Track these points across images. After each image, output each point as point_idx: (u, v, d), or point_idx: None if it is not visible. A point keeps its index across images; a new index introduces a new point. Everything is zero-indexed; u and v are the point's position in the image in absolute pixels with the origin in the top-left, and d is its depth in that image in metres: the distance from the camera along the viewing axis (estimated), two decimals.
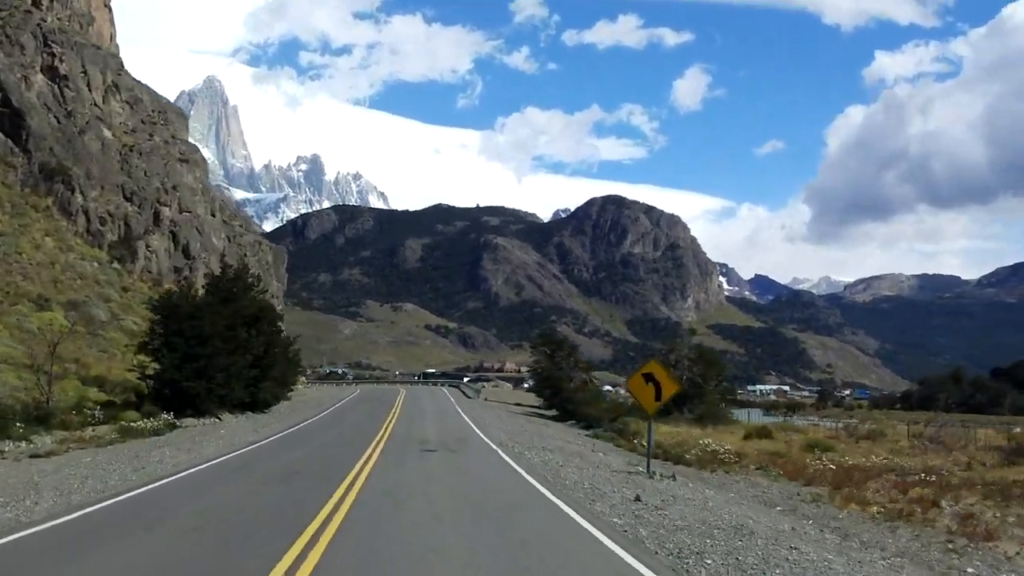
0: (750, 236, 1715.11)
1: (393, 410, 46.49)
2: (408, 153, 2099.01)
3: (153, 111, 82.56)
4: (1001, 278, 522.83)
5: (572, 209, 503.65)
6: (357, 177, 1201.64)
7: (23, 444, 22.49)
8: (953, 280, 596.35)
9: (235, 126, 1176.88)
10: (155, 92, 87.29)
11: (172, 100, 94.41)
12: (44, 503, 13.04)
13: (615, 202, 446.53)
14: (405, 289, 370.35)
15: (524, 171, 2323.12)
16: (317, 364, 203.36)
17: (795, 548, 11.03)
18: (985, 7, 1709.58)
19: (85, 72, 71.94)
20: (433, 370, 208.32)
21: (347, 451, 22.51)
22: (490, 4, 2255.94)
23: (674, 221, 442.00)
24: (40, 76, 67.71)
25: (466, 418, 42.74)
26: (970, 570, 11.36)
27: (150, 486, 15.18)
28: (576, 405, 52.64)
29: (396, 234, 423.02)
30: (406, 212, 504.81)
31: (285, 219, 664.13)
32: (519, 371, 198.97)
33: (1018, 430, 42.66)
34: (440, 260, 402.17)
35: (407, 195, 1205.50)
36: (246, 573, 8.84)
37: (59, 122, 66.81)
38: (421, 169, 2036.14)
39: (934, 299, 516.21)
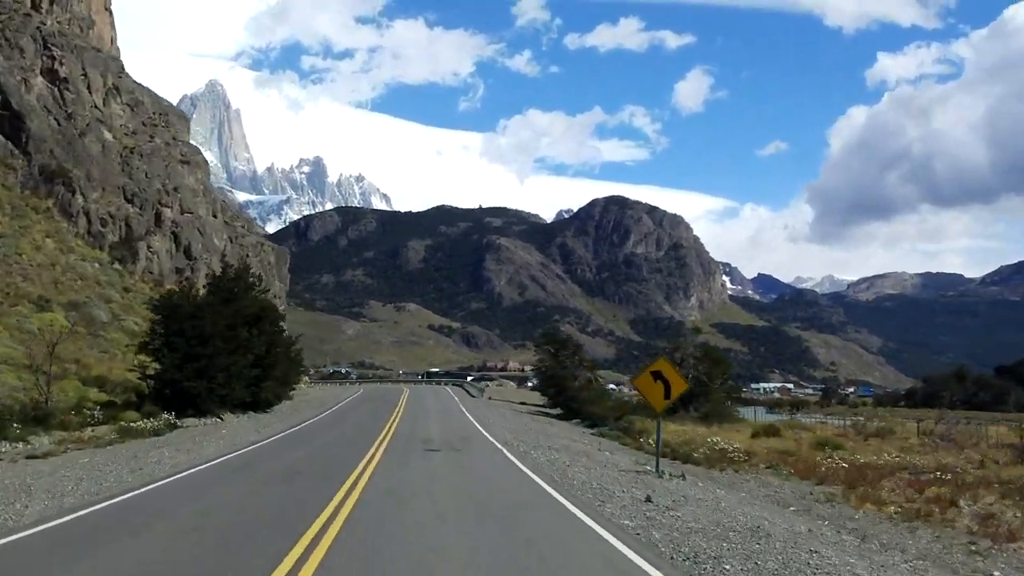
0: (753, 236, 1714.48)
1: (396, 409, 46.07)
2: (410, 155, 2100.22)
3: (154, 113, 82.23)
4: (1004, 276, 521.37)
5: (575, 210, 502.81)
6: (360, 179, 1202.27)
7: (20, 445, 22.11)
8: (956, 278, 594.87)
9: (237, 129, 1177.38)
10: (156, 94, 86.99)
11: (175, 104, 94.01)
12: (35, 506, 12.62)
13: (618, 202, 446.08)
14: (408, 290, 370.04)
15: (526, 173, 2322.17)
16: (321, 364, 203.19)
17: (815, 552, 10.57)
18: (987, 9, 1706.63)
19: (85, 75, 71.63)
20: (436, 369, 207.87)
21: (349, 451, 22.09)
22: (492, 8, 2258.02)
23: (677, 221, 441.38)
24: (40, 79, 67.39)
25: (470, 417, 42.32)
26: (996, 573, 10.94)
27: (147, 487, 14.75)
28: (581, 404, 52.24)
29: (399, 235, 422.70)
30: (409, 213, 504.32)
31: (288, 221, 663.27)
32: (522, 370, 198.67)
33: None
34: (443, 261, 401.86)
35: (409, 197, 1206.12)
36: (247, 575, 8.51)
37: (59, 124, 66.47)
38: (423, 171, 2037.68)
39: (937, 297, 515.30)
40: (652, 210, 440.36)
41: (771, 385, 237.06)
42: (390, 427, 31.91)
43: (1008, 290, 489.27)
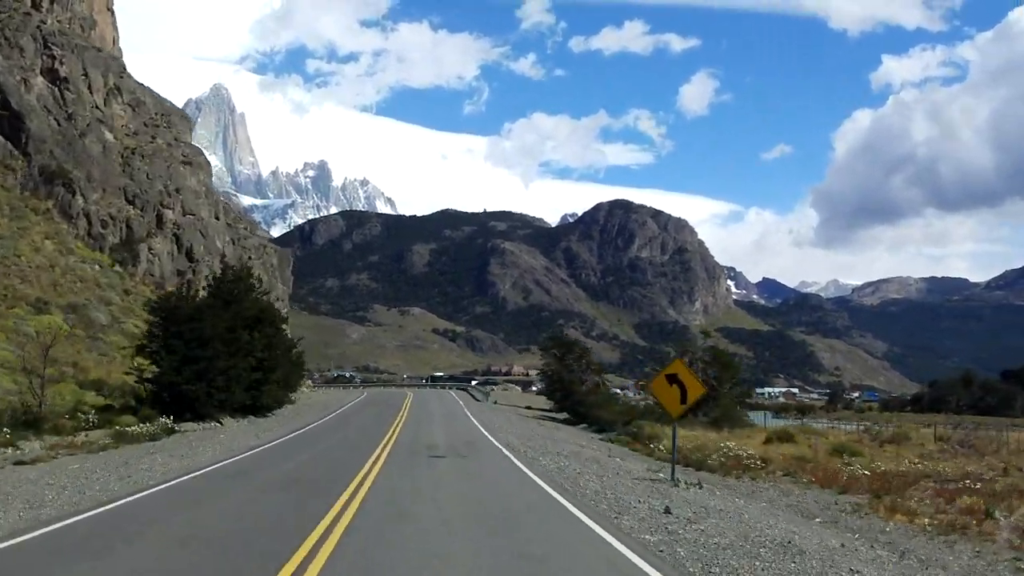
0: (758, 240, 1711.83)
1: (400, 413, 45.19)
2: (415, 159, 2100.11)
3: (156, 114, 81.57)
4: (1009, 281, 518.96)
5: (579, 214, 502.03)
6: (364, 183, 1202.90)
7: (9, 450, 21.31)
8: (961, 283, 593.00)
9: (242, 133, 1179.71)
10: (158, 95, 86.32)
11: (179, 107, 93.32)
12: (9, 517, 11.76)
13: (622, 206, 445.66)
14: (412, 294, 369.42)
15: (531, 176, 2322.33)
16: (325, 368, 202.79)
17: (857, 572, 9.68)
18: (992, 11, 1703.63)
19: (86, 75, 70.96)
20: (441, 373, 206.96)
21: (351, 457, 21.18)
22: (497, 12, 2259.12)
23: (681, 225, 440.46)
24: (40, 79, 66.76)
25: (475, 421, 41.46)
26: None
27: (133, 497, 13.86)
28: (588, 408, 51.41)
29: (403, 239, 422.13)
30: (413, 217, 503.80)
31: (293, 225, 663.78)
32: (527, 374, 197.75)
33: None
34: (447, 265, 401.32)
35: (414, 200, 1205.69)
36: None
37: (59, 125, 65.82)
38: (428, 175, 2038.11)
39: (942, 302, 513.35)
40: (657, 214, 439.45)
41: (776, 390, 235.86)
42: (393, 432, 31.02)
43: (1013, 294, 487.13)
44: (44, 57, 67.55)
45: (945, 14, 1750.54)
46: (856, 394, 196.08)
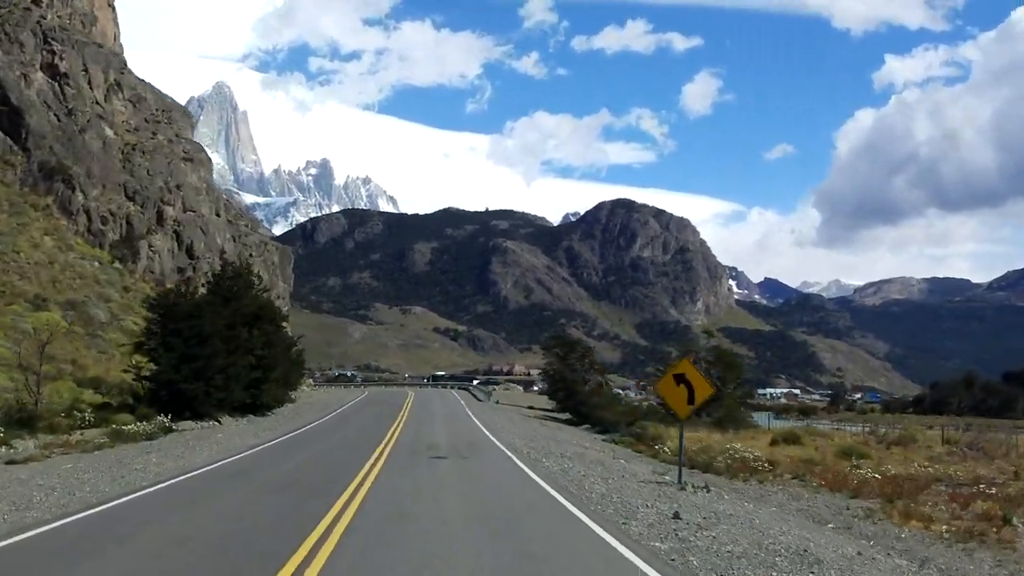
0: (760, 240, 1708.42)
1: (401, 413, 44.77)
2: (417, 157, 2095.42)
3: (157, 110, 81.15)
4: (1011, 281, 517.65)
5: (581, 213, 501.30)
6: (366, 181, 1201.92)
7: (2, 449, 20.86)
8: (963, 283, 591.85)
9: (245, 131, 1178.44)
10: (159, 91, 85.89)
11: (180, 103, 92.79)
12: None
13: (624, 206, 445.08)
14: (414, 292, 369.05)
15: (533, 175, 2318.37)
16: (326, 367, 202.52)
17: None
18: (994, 11, 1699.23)
19: (86, 70, 70.52)
20: (442, 373, 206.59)
21: (350, 458, 20.74)
22: (499, 10, 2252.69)
23: (683, 224, 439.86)
24: (40, 74, 66.33)
25: (477, 421, 41.04)
26: None
27: (123, 499, 13.41)
28: (591, 408, 50.94)
29: (405, 238, 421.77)
30: (415, 216, 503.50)
31: (295, 223, 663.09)
32: (528, 374, 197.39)
33: None
34: (449, 264, 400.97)
35: (416, 199, 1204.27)
36: None
37: (59, 120, 65.41)
38: (430, 173, 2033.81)
39: (944, 303, 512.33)
40: (659, 213, 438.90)
41: (777, 390, 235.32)
42: (394, 432, 30.59)
43: (1015, 295, 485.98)
44: (44, 52, 67.14)
45: (948, 14, 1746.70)
46: (857, 395, 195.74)
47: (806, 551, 10.75)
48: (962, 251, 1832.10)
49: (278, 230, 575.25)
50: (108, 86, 73.15)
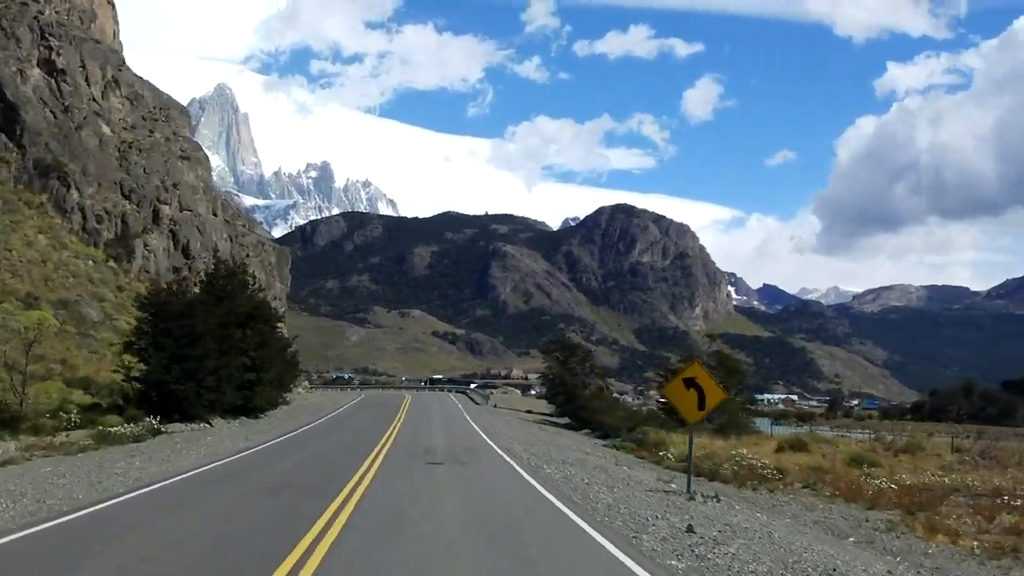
0: (759, 246, 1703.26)
1: (398, 416, 43.89)
2: (418, 161, 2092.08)
3: (154, 107, 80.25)
4: (1010, 290, 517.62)
5: (581, 218, 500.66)
6: (366, 184, 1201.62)
7: None
8: (962, 291, 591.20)
9: (245, 133, 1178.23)
10: (157, 88, 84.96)
11: (178, 101, 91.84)
12: None
13: (624, 211, 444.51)
14: (413, 296, 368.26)
15: (534, 180, 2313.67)
16: (324, 370, 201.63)
17: None
18: (997, 19, 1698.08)
19: (84, 67, 69.63)
20: (440, 376, 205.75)
21: (345, 461, 19.90)
22: (502, 14, 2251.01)
23: (683, 230, 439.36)
24: (36, 70, 65.46)
25: (475, 426, 40.16)
26: None
27: (98, 506, 12.49)
28: (591, 413, 50.11)
29: (405, 241, 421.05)
30: (415, 219, 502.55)
31: (294, 226, 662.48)
32: (526, 378, 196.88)
33: None
34: (448, 267, 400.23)
35: (416, 202, 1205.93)
36: None
37: (55, 117, 64.56)
38: (430, 177, 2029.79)
39: (943, 310, 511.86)
40: (658, 219, 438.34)
41: (775, 396, 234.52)
42: (390, 436, 29.71)
43: (1014, 304, 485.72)
44: (41, 48, 66.28)
45: (950, 22, 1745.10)
46: (855, 402, 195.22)
47: (835, 570, 9.90)
48: (962, 259, 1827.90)
49: (277, 232, 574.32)
50: (106, 83, 72.27)
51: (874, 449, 36.45)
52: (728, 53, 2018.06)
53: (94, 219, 62.49)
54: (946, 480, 22.79)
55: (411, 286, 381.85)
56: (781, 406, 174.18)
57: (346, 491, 14.56)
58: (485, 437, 32.16)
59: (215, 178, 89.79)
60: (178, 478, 16.32)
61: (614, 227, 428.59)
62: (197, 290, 40.89)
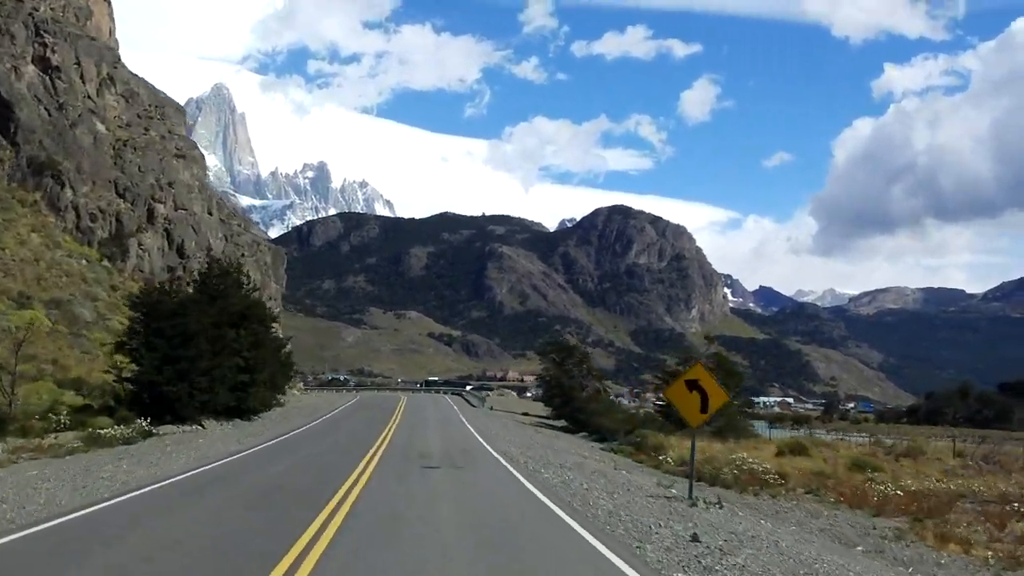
0: (756, 248, 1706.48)
1: (393, 418, 43.43)
2: (415, 161, 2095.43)
3: (150, 105, 79.75)
4: (1007, 292, 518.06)
5: (578, 219, 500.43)
6: (363, 185, 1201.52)
7: None
8: (958, 294, 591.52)
9: (242, 133, 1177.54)
10: (152, 86, 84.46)
11: (174, 99, 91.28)
12: None
13: (621, 212, 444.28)
14: (409, 297, 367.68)
15: (531, 180, 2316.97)
16: (320, 371, 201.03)
17: None
18: (994, 21, 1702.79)
19: (79, 64, 69.11)
20: (436, 378, 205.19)
21: (340, 464, 19.45)
22: (500, 15, 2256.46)
23: (680, 232, 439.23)
24: (31, 67, 64.96)
25: (471, 428, 39.71)
26: None
27: (79, 513, 12.01)
28: (588, 416, 49.64)
29: (401, 242, 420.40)
30: (412, 220, 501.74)
31: (291, 226, 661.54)
32: (522, 380, 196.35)
33: None
34: (445, 268, 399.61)
35: (413, 203, 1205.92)
36: None
37: (50, 114, 64.05)
38: (427, 177, 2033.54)
39: (939, 312, 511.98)
40: (655, 220, 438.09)
41: (771, 399, 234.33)
42: (385, 438, 29.26)
43: (1010, 306, 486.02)
44: (36, 45, 65.76)
45: (948, 23, 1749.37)
46: (851, 405, 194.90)
47: None
48: (958, 261, 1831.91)
49: (274, 233, 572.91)
50: (101, 80, 71.77)
51: (874, 453, 36.03)
52: (726, 54, 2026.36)
53: (88, 218, 62.01)
54: (951, 486, 22.36)
55: (407, 287, 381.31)
56: (777, 409, 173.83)
57: (340, 494, 14.21)
58: (481, 440, 31.73)
59: (212, 178, 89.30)
60: (166, 482, 15.87)
61: (611, 228, 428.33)
62: (191, 290, 40.43)
